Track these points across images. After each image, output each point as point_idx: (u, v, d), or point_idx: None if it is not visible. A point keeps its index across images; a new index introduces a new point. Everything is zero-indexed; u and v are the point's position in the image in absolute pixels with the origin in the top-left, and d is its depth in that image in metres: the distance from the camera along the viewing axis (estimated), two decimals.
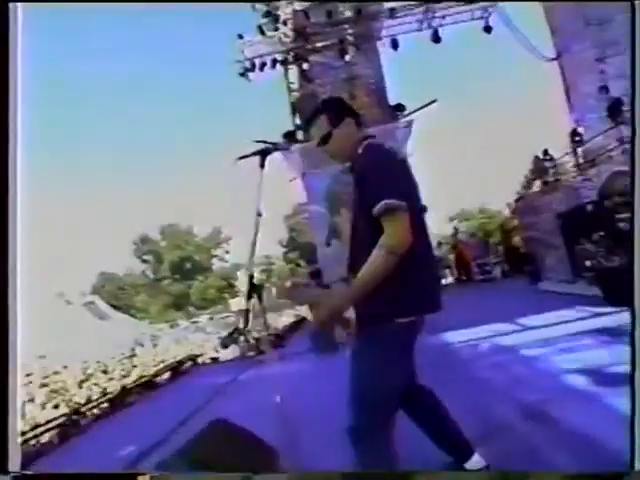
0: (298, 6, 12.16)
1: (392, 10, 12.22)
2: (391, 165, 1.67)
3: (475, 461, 1.94)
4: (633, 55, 1.43)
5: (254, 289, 1.86)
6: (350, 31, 12.59)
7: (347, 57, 12.87)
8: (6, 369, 1.47)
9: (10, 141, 1.56)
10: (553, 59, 13.69)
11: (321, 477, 2.00)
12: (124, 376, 7.71)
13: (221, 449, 2.39)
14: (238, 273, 42.09)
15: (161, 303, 36.60)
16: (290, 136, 13.83)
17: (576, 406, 2.70)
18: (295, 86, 13.51)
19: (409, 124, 13.22)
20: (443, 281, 13.60)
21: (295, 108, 14.32)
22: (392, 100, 13.45)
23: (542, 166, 13.10)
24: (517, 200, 13.88)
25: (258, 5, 12.13)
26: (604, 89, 12.19)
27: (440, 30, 12.59)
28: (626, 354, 3.45)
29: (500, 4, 12.29)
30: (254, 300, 1.82)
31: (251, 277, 1.87)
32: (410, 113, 13.25)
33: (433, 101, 12.98)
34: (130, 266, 38.40)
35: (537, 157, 13.15)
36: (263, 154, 1.90)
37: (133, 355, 10.65)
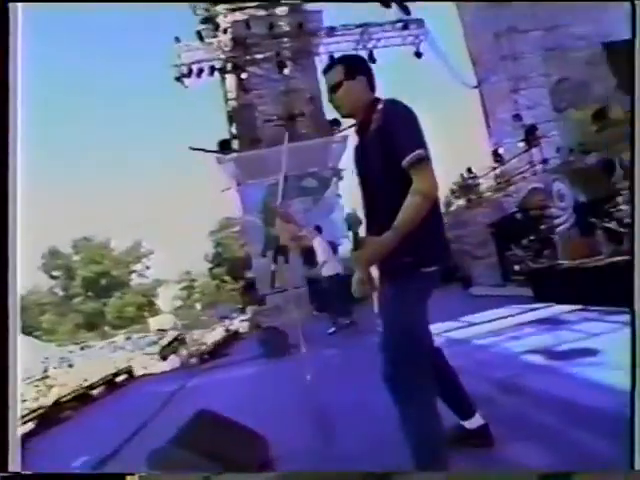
0: (239, 16, 12.19)
1: (331, 29, 12.67)
2: (414, 119, 1.75)
3: (476, 419, 2.03)
4: (633, 56, 1.51)
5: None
6: (289, 45, 12.84)
7: (286, 71, 13.08)
8: (6, 369, 1.46)
9: (10, 141, 1.55)
10: (475, 87, 14.97)
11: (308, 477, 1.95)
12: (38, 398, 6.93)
13: (209, 437, 2.28)
14: (159, 289, 40.11)
15: (71, 323, 33.72)
16: (225, 145, 13.67)
17: (542, 377, 2.92)
18: (232, 95, 13.42)
19: (344, 139, 13.65)
20: None
21: (231, 117, 14.22)
22: (329, 115, 13.84)
23: (466, 183, 14.17)
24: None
25: (199, 10, 11.97)
26: (518, 117, 13.52)
27: (375, 52, 13.25)
28: (565, 336, 3.86)
29: (431, 32, 13.26)
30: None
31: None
32: (345, 129, 13.70)
33: None
34: (37, 283, 35.08)
35: (462, 175, 14.23)
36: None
37: (46, 377, 9.67)
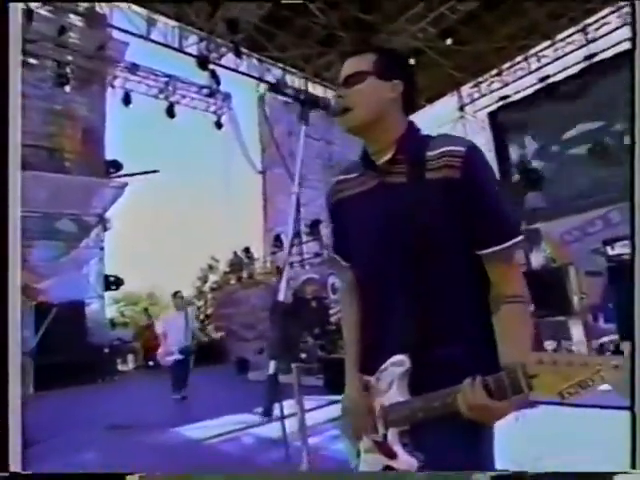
0: (23, 5, 9.80)
1: (135, 65, 11.47)
2: (495, 176, 1.25)
3: None
4: (633, 57, 1.41)
5: None
6: (80, 63, 10.93)
7: (67, 88, 10.98)
8: (6, 369, 1.43)
9: (10, 141, 1.51)
10: (260, 172, 15.69)
11: None
12: None
13: None
14: None
15: None
16: None
17: None
18: None
19: (122, 186, 12.00)
20: (122, 367, 11.87)
21: None
22: (109, 155, 12.05)
23: (240, 262, 14.11)
24: (213, 289, 14.20)
25: None
26: (297, 211, 14.63)
27: (176, 107, 12.57)
28: None
29: (234, 107, 13.50)
30: None
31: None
32: (126, 175, 12.11)
33: (155, 170, 12.40)
34: None
35: (235, 253, 14.14)
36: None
37: None
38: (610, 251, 4.83)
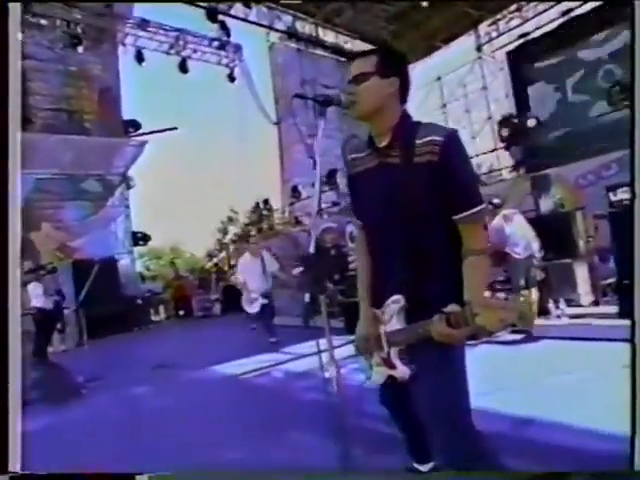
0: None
1: (145, 21, 11.41)
2: (471, 162, 1.57)
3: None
4: (633, 56, 1.54)
5: None
6: (90, 21, 10.93)
7: (79, 49, 11.05)
8: (6, 369, 1.45)
9: (10, 141, 1.57)
10: (275, 123, 15.69)
11: None
12: None
13: None
14: None
15: None
16: None
17: None
18: None
19: (141, 144, 12.27)
20: (155, 317, 12.69)
21: None
22: (126, 114, 12.25)
23: (260, 214, 14.52)
24: (234, 241, 14.77)
25: None
26: (312, 160, 14.75)
27: (188, 62, 12.52)
28: None
29: (245, 59, 13.37)
30: None
31: None
32: (145, 133, 12.35)
33: (174, 127, 12.58)
34: None
35: (257, 204, 14.54)
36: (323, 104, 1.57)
37: None
38: (612, 197, 5.02)
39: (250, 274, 6.47)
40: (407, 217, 1.44)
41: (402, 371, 1.45)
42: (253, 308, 6.46)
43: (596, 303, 5.57)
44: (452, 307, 1.29)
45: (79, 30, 11.13)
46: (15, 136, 1.59)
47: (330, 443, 2.52)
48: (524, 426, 2.64)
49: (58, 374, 4.82)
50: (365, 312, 1.63)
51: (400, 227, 1.46)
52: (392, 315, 1.47)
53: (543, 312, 5.16)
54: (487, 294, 1.43)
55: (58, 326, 6.28)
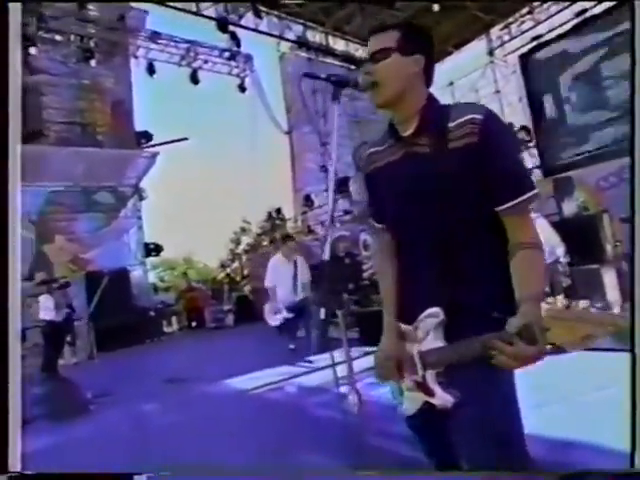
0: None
1: (156, 33, 11.48)
2: (516, 141, 1.36)
3: None
4: (633, 56, 1.44)
5: None
6: (102, 35, 11.02)
7: (92, 62, 11.13)
8: (6, 369, 1.45)
9: (10, 141, 1.55)
10: (286, 133, 15.65)
11: None
12: None
13: None
14: None
15: None
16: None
17: None
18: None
19: (153, 156, 12.29)
20: (167, 329, 12.59)
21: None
22: (138, 126, 12.29)
23: (272, 223, 14.41)
24: (247, 251, 14.70)
25: None
26: (324, 168, 14.68)
27: (199, 73, 12.56)
28: None
29: (256, 69, 13.38)
30: None
31: None
32: (157, 145, 12.38)
33: (185, 138, 12.60)
34: None
35: (269, 214, 14.43)
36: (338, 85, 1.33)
37: None
38: None
39: (280, 279, 5.74)
40: (441, 213, 1.22)
41: (443, 398, 1.20)
42: (275, 320, 5.75)
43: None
44: (513, 322, 1.05)
45: (92, 44, 11.26)
46: (15, 135, 1.55)
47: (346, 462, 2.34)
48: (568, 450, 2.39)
49: (66, 389, 4.70)
50: (390, 328, 1.40)
51: (433, 225, 1.24)
52: (428, 331, 1.23)
53: None
54: (560, 304, 1.15)
55: (68, 339, 6.19)
